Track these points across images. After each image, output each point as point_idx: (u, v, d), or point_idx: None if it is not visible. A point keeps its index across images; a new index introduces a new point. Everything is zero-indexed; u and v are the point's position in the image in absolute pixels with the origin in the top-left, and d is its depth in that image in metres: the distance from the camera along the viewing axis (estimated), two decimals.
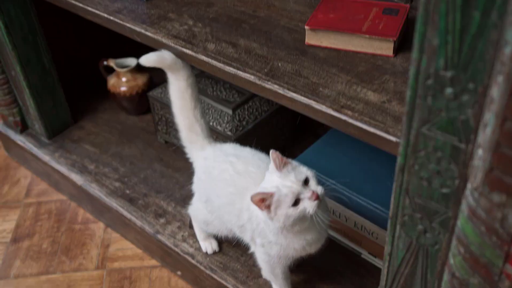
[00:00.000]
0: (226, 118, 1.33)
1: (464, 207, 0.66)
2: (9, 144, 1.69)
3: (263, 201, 0.93)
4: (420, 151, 0.69)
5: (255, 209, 0.99)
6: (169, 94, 1.15)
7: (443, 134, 0.65)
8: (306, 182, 0.94)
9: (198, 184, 1.17)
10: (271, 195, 0.92)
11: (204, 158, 1.14)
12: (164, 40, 1.09)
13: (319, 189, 0.94)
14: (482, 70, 0.57)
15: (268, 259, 1.07)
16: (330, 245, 1.25)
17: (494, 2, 0.53)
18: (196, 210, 1.20)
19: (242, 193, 1.05)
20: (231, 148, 1.13)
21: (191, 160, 1.21)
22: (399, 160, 0.72)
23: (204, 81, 1.43)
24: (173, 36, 1.09)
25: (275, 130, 1.41)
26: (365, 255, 1.22)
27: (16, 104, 1.58)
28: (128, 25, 1.15)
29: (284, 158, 0.96)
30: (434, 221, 0.74)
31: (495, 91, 0.55)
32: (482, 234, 0.65)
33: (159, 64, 1.11)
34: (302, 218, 0.94)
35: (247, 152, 1.12)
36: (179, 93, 1.12)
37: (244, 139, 1.32)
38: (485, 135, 0.58)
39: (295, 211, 0.93)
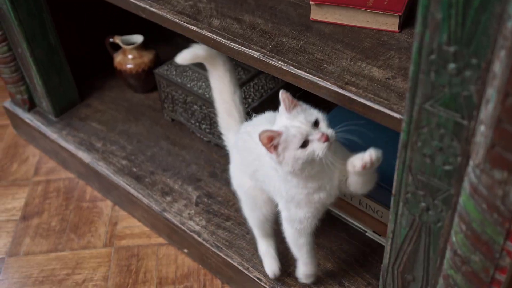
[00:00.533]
0: None
1: (466, 184, 0.66)
2: (17, 122, 1.70)
3: (271, 140, 0.88)
4: (423, 128, 0.68)
5: (266, 159, 0.95)
6: (209, 80, 1.17)
7: (446, 111, 0.64)
8: (316, 124, 0.90)
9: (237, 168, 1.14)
10: (278, 134, 0.88)
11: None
12: (169, 16, 1.08)
13: (330, 132, 0.89)
14: (486, 45, 0.56)
15: (291, 229, 1.03)
16: (335, 224, 1.25)
17: None
18: (246, 204, 1.14)
19: (260, 157, 1.02)
20: (254, 120, 1.11)
21: (227, 149, 1.21)
22: (402, 136, 0.72)
23: None
24: (178, 12, 1.08)
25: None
26: (370, 233, 1.21)
27: (24, 82, 1.59)
28: (133, 0, 1.14)
29: (295, 100, 0.92)
30: (437, 198, 0.73)
31: (497, 66, 0.54)
32: (484, 211, 0.64)
33: (195, 60, 1.13)
34: (312, 162, 0.89)
35: (263, 117, 1.09)
36: (218, 79, 1.14)
37: (249, 117, 1.31)
38: (487, 111, 0.58)
39: (303, 153, 0.88)
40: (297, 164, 0.89)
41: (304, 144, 0.88)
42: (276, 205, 1.07)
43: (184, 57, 1.12)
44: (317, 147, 0.88)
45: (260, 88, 1.35)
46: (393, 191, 0.79)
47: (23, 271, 1.35)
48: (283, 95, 0.91)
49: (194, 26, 1.05)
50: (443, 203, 0.73)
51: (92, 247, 1.39)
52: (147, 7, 1.11)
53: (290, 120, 0.90)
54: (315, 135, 0.88)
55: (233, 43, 0.99)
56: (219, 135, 1.39)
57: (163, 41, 1.75)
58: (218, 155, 1.43)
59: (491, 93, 0.56)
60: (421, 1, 0.59)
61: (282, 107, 0.92)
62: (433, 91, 0.64)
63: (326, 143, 0.87)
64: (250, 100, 1.32)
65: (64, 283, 1.32)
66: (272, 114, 1.06)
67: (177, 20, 1.07)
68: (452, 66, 0.60)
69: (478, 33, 0.56)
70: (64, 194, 1.54)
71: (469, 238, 0.69)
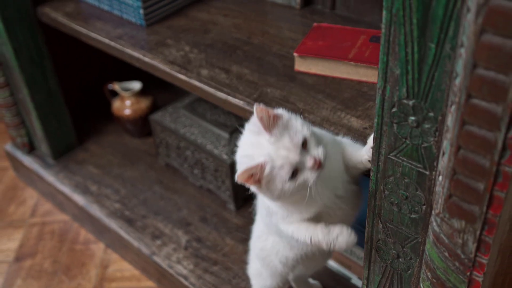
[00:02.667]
0: (222, 141, 1.36)
1: (430, 233, 0.68)
2: (17, 165, 1.74)
3: (251, 177, 0.73)
4: (389, 177, 0.71)
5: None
6: None
7: (409, 161, 0.67)
8: (304, 145, 0.74)
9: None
10: (260, 167, 0.72)
11: None
12: (161, 66, 1.13)
13: (320, 152, 0.74)
14: (440, 99, 0.59)
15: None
16: (321, 270, 1.26)
17: (446, 35, 0.55)
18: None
19: None
20: None
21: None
22: (371, 185, 0.74)
23: (203, 105, 1.46)
24: (169, 61, 1.13)
25: None
26: (355, 280, 1.22)
27: (24, 125, 1.63)
28: (127, 50, 1.19)
29: (273, 113, 0.74)
30: (406, 246, 0.75)
31: (450, 120, 0.57)
32: (446, 259, 0.66)
33: None
34: (300, 191, 0.75)
35: None
36: None
37: None
38: (444, 162, 0.60)
39: (293, 185, 0.74)
40: (284, 194, 0.75)
41: (293, 173, 0.73)
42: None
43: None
44: (309, 176, 0.74)
45: None
46: (366, 238, 0.81)
47: None
48: (259, 112, 0.73)
49: (184, 75, 1.09)
50: (411, 251, 0.75)
51: None
52: (141, 56, 1.16)
53: (273, 145, 0.73)
54: (306, 162, 0.73)
55: (220, 92, 1.03)
56: (210, 181, 1.42)
57: (161, 87, 1.80)
58: (209, 200, 1.45)
59: (446, 145, 0.59)
60: (381, 57, 0.62)
61: (255, 125, 0.76)
62: (396, 142, 0.67)
63: (319, 170, 0.74)
64: None
65: None
66: None
67: (168, 70, 1.11)
68: (412, 118, 0.63)
69: (433, 88, 0.59)
70: (58, 236, 1.57)
71: (435, 286, 0.70)
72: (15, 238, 1.57)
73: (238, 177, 0.73)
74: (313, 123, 0.92)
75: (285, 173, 0.73)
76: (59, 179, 1.58)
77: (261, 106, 0.74)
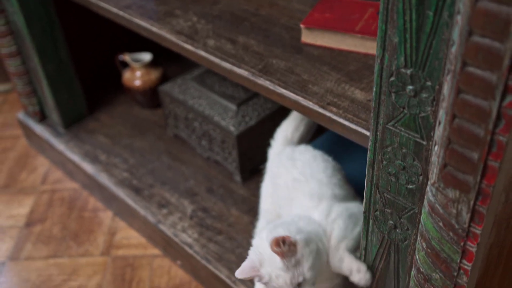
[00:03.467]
0: (230, 113, 1.36)
1: (425, 203, 0.68)
2: (29, 133, 1.76)
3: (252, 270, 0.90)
4: (387, 147, 0.71)
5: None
6: None
7: (407, 131, 0.67)
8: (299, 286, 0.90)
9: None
10: (259, 276, 0.90)
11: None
12: (168, 36, 1.13)
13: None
14: (438, 68, 0.59)
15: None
16: None
17: (444, 2, 0.54)
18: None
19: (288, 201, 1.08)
20: (294, 151, 1.16)
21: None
22: (369, 155, 0.74)
23: (212, 77, 1.46)
24: (176, 31, 1.13)
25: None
26: None
27: (35, 94, 1.65)
28: (136, 20, 1.19)
29: (293, 244, 0.88)
30: (403, 216, 0.76)
31: (446, 89, 0.57)
32: (441, 230, 0.66)
33: None
34: None
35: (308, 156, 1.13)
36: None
37: (246, 135, 1.35)
38: (439, 131, 0.60)
39: None
40: None
41: None
42: None
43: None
44: None
45: (258, 107, 1.38)
46: (363, 208, 0.81)
47: (22, 275, 1.40)
48: (281, 242, 0.86)
49: (190, 45, 1.09)
50: (408, 222, 0.75)
51: (90, 255, 1.43)
52: (148, 26, 1.16)
53: (280, 271, 0.88)
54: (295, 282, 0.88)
55: (225, 62, 1.03)
56: (217, 152, 1.43)
57: (171, 59, 1.80)
58: (216, 171, 1.46)
59: (442, 114, 0.59)
60: (379, 26, 0.62)
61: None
62: (394, 112, 0.67)
63: None
64: (247, 118, 1.36)
65: None
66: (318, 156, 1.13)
67: (175, 40, 1.12)
68: (410, 88, 0.63)
69: (431, 56, 0.59)
70: (67, 203, 1.59)
71: (429, 256, 0.71)
72: (26, 204, 1.60)
73: (237, 274, 0.91)
74: (316, 94, 0.92)
75: None
76: (69, 148, 1.60)
77: (284, 238, 0.87)
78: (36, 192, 1.64)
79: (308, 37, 1.05)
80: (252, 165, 1.42)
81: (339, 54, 1.02)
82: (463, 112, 0.55)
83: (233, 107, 1.37)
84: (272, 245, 0.86)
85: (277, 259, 0.87)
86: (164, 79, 1.66)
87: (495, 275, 0.78)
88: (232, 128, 1.33)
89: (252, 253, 0.93)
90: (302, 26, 1.04)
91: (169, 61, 1.77)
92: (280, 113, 1.41)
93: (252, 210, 1.35)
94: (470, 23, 0.50)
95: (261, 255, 0.90)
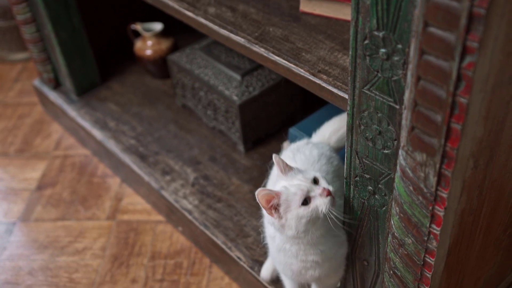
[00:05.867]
0: (234, 83, 1.37)
1: (398, 167, 0.69)
2: (44, 100, 1.80)
3: (269, 201, 0.84)
4: (364, 111, 0.72)
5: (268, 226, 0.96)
6: None
7: (381, 95, 0.67)
8: (315, 182, 0.87)
9: None
10: (277, 194, 0.84)
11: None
12: (170, 3, 1.14)
13: (330, 187, 0.85)
14: (407, 31, 0.59)
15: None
16: None
17: None
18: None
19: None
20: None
21: None
22: (348, 120, 0.75)
23: (219, 48, 1.48)
24: None
25: (283, 99, 1.44)
26: None
27: (50, 62, 1.69)
28: None
29: (288, 165, 0.90)
30: (380, 182, 0.76)
31: (412, 51, 0.57)
32: (411, 193, 0.67)
33: None
34: (315, 221, 0.84)
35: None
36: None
37: (249, 105, 1.36)
38: (407, 94, 0.60)
39: (306, 211, 0.83)
40: (301, 224, 0.84)
41: (306, 201, 0.84)
42: None
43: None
44: (320, 203, 0.83)
45: (262, 78, 1.39)
46: (345, 174, 0.82)
47: (31, 235, 1.45)
48: (276, 158, 0.89)
49: (191, 12, 1.10)
50: (385, 187, 0.76)
51: (96, 218, 1.47)
52: None
53: (288, 180, 0.87)
54: (316, 191, 0.84)
55: (223, 29, 1.04)
56: (221, 122, 1.45)
57: (183, 29, 1.81)
58: (220, 141, 1.48)
59: (408, 76, 0.59)
60: None
61: (276, 171, 0.91)
62: (369, 76, 0.67)
63: (329, 198, 0.83)
64: (251, 88, 1.36)
65: (65, 249, 1.40)
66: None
67: (177, 7, 1.13)
68: (382, 51, 0.64)
69: (400, 18, 0.59)
70: (78, 168, 1.63)
71: (402, 221, 0.71)
72: (39, 169, 1.65)
73: (257, 193, 0.84)
74: (309, 62, 0.92)
75: (299, 197, 0.84)
76: (81, 115, 1.64)
77: (277, 155, 0.89)
78: (48, 157, 1.69)
79: (307, 6, 1.05)
80: (256, 136, 1.44)
81: (336, 23, 1.02)
82: (426, 73, 0.55)
83: (237, 77, 1.38)
84: (274, 158, 0.89)
85: (281, 178, 0.88)
86: (175, 49, 1.68)
87: (472, 246, 0.78)
88: (235, 98, 1.35)
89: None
90: None
91: (180, 31, 1.78)
92: (286, 83, 1.42)
93: (252, 179, 1.37)
94: None
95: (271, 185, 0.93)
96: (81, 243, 1.41)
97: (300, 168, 0.90)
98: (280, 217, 0.85)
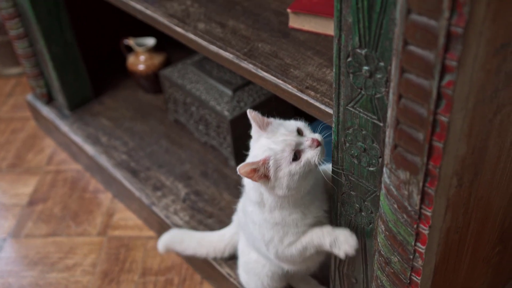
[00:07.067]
0: (225, 98, 1.37)
1: (382, 185, 0.68)
2: (37, 115, 1.80)
3: (255, 171, 0.80)
4: (349, 129, 0.71)
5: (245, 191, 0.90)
6: None
7: (365, 112, 0.67)
8: (299, 133, 0.82)
9: None
10: (263, 161, 0.79)
11: None
12: (160, 19, 1.14)
13: (317, 136, 0.80)
14: (389, 48, 0.59)
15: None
16: None
17: None
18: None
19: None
20: None
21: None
22: (333, 137, 0.75)
23: (211, 63, 1.48)
24: (169, 15, 1.14)
25: (275, 114, 1.44)
26: None
27: (42, 76, 1.69)
28: (131, 3, 1.21)
29: (265, 118, 0.84)
30: (366, 199, 0.76)
31: (393, 69, 0.57)
32: (396, 212, 0.66)
33: None
34: (307, 175, 0.80)
35: None
36: None
37: (241, 120, 1.35)
38: (389, 112, 0.60)
39: (298, 166, 0.78)
40: (293, 181, 0.79)
41: (295, 156, 0.79)
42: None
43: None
44: (312, 155, 0.78)
45: (254, 93, 1.39)
46: (332, 193, 0.81)
47: (21, 251, 1.44)
48: (251, 114, 0.85)
49: (181, 28, 1.10)
50: (372, 205, 0.75)
51: (87, 234, 1.46)
52: (143, 9, 1.18)
53: (271, 138, 0.82)
54: (305, 143, 0.80)
55: (212, 45, 1.04)
56: (213, 137, 1.45)
57: (175, 45, 1.81)
58: (212, 156, 1.48)
59: (390, 94, 0.59)
60: (335, 5, 0.62)
61: (254, 128, 0.86)
62: (353, 93, 0.67)
63: (319, 147, 0.79)
64: (242, 104, 1.36)
65: (55, 265, 1.39)
66: None
67: (167, 22, 1.13)
68: (365, 68, 0.63)
69: (382, 36, 0.59)
70: (70, 184, 1.63)
71: (388, 239, 0.71)
72: (30, 184, 1.64)
73: (239, 169, 0.80)
74: (297, 78, 0.92)
75: (288, 154, 0.79)
76: (73, 130, 1.64)
77: (252, 110, 0.86)
78: (41, 172, 1.68)
79: (296, 21, 1.05)
80: (247, 151, 1.43)
81: (325, 39, 1.02)
82: (407, 91, 0.55)
83: (229, 92, 1.38)
84: (249, 113, 0.86)
85: (263, 136, 0.85)
86: (167, 64, 1.68)
87: (460, 264, 0.78)
88: (226, 113, 1.34)
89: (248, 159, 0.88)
90: (288, 10, 1.04)
91: (173, 46, 1.78)
92: (276, 99, 1.41)
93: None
94: (408, 1, 0.50)
95: (253, 150, 0.87)
96: (72, 259, 1.40)
97: (278, 120, 0.85)
98: (269, 180, 0.80)
